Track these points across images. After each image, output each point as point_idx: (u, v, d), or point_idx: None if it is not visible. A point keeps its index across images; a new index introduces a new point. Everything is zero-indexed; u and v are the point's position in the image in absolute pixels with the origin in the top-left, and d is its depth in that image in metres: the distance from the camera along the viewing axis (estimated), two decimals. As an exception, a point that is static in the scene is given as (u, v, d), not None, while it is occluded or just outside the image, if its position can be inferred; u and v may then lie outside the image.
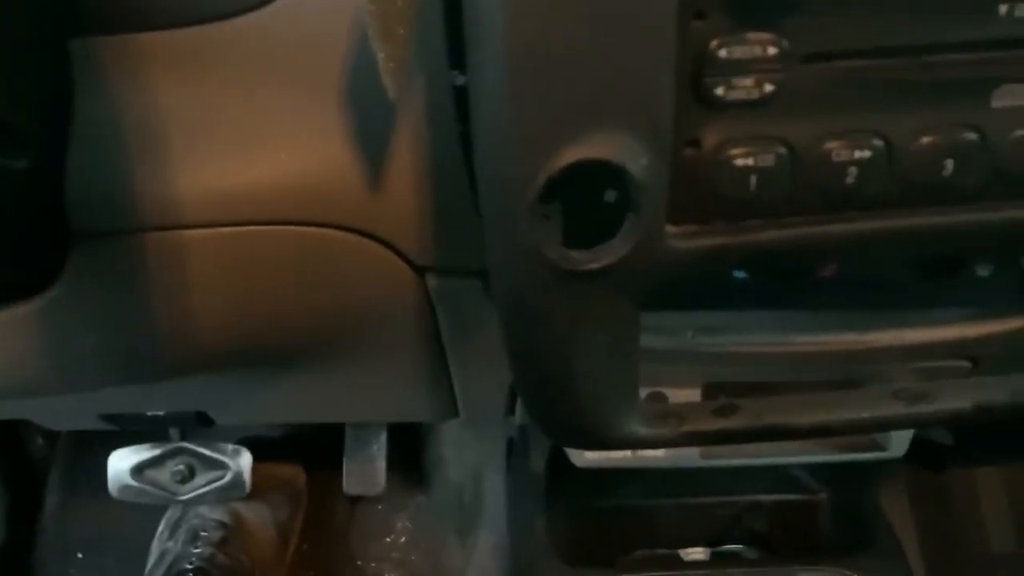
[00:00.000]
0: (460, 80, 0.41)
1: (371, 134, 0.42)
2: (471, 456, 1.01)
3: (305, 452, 1.06)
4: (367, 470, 1.02)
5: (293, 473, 1.07)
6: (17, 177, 0.32)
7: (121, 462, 0.89)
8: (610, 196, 0.33)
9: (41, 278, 0.42)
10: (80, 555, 1.04)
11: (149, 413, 0.71)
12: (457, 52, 0.40)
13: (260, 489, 0.94)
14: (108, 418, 0.70)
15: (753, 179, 0.32)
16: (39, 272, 0.41)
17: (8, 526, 1.03)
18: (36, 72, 0.35)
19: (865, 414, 0.42)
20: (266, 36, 0.41)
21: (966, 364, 0.53)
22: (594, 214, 0.33)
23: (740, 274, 0.44)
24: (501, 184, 0.31)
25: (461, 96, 0.41)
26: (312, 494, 1.07)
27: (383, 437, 1.02)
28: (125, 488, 0.90)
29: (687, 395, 0.57)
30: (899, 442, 0.66)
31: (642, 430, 0.41)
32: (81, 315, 0.44)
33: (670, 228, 0.33)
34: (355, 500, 1.06)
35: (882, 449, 0.66)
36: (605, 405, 0.40)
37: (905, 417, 0.42)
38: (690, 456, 0.66)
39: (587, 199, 0.33)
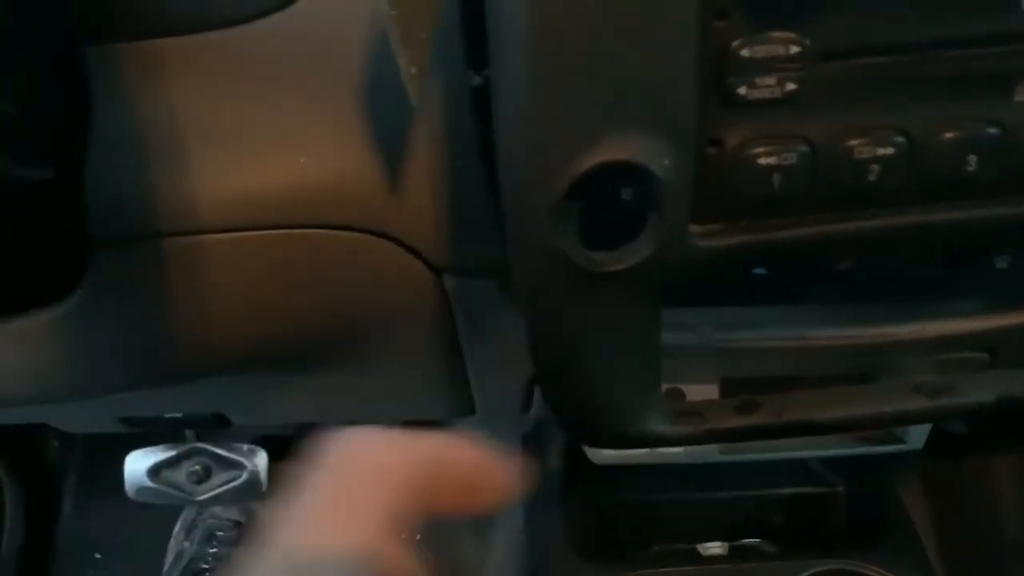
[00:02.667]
0: (477, 81, 0.41)
1: (389, 137, 0.42)
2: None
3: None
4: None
5: (308, 472, 1.07)
6: (41, 188, 0.32)
7: (137, 463, 0.90)
8: (631, 196, 0.34)
9: (62, 285, 0.42)
10: (97, 556, 1.05)
11: (167, 415, 0.71)
12: (475, 53, 0.40)
13: (276, 489, 0.94)
14: (126, 421, 0.70)
15: (776, 177, 0.32)
16: (60, 279, 0.42)
17: (26, 528, 1.04)
18: (57, 84, 0.35)
19: (887, 408, 0.42)
20: (283, 40, 0.41)
21: (984, 356, 0.53)
22: (616, 215, 0.33)
23: (759, 270, 0.44)
24: (524, 187, 0.31)
25: (479, 97, 0.41)
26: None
27: (398, 435, 1.02)
28: (142, 489, 0.90)
29: (705, 391, 0.57)
30: (918, 434, 0.66)
31: (664, 428, 0.41)
32: (101, 321, 0.45)
33: (693, 227, 0.33)
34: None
35: (901, 441, 0.66)
36: (627, 404, 0.40)
37: (928, 410, 0.42)
38: (708, 451, 0.66)
39: (609, 200, 0.33)
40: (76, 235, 0.41)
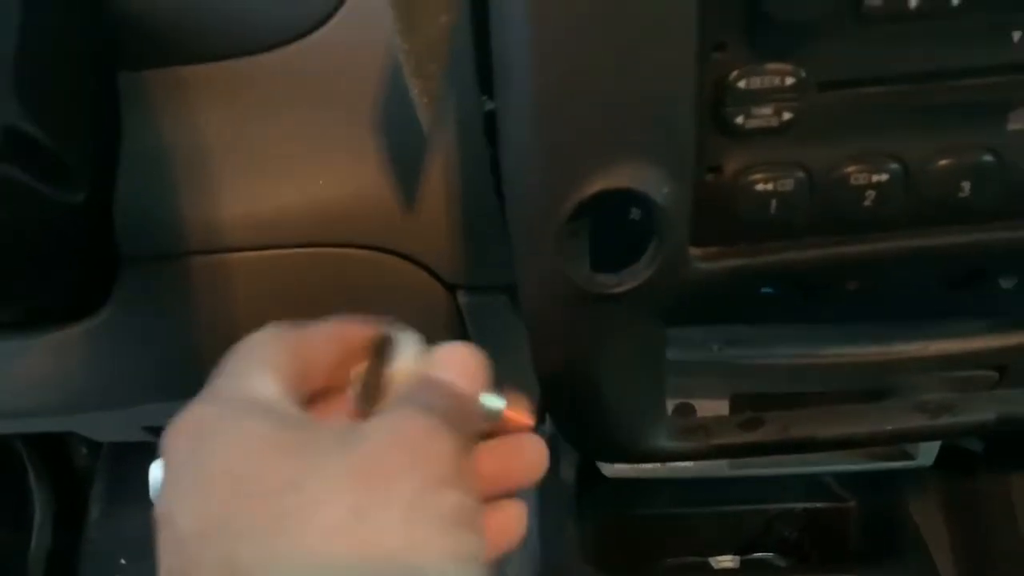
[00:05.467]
0: (490, 106, 0.43)
1: (405, 158, 0.43)
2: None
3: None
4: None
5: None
6: (74, 211, 0.34)
7: (162, 471, 0.92)
8: (635, 216, 0.35)
9: (91, 301, 0.44)
10: (123, 561, 1.07)
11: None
12: (487, 78, 0.41)
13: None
14: (150, 430, 0.72)
15: (773, 203, 0.33)
16: (91, 294, 0.43)
17: (54, 533, 1.06)
18: (92, 112, 0.37)
19: (888, 426, 0.43)
20: (305, 67, 0.42)
21: (993, 375, 0.53)
22: (620, 237, 0.34)
23: (767, 289, 0.45)
24: (528, 211, 0.33)
25: (490, 121, 0.42)
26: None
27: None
28: (166, 496, 0.92)
29: (715, 406, 0.58)
30: (927, 451, 0.66)
31: (669, 444, 0.42)
32: (129, 334, 0.46)
33: (693, 250, 0.34)
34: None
35: (911, 458, 0.67)
36: (633, 420, 0.41)
37: (928, 429, 0.43)
38: (719, 466, 0.67)
39: (613, 223, 0.34)
40: (106, 253, 0.43)
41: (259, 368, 0.29)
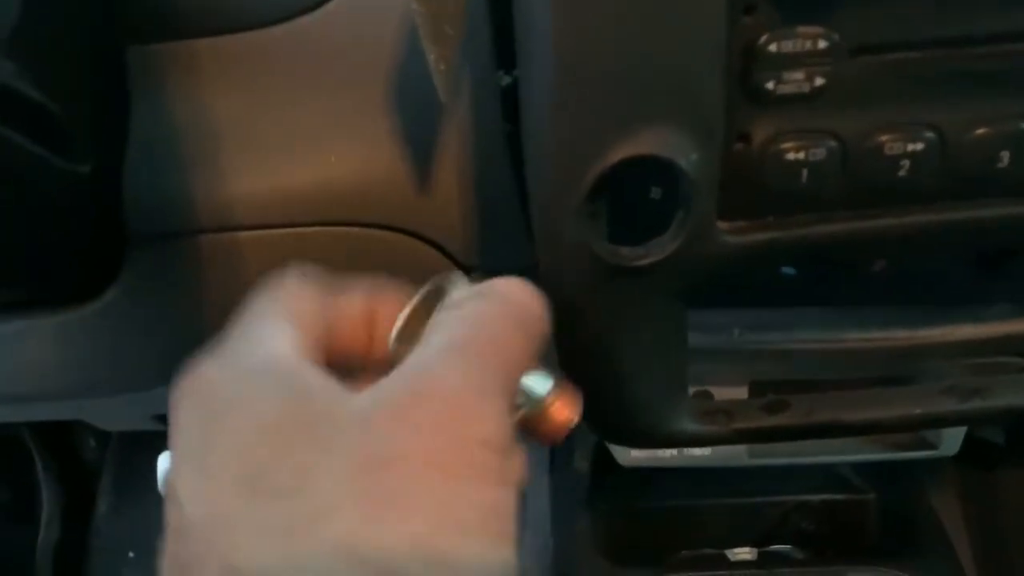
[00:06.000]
0: (505, 80, 0.42)
1: (418, 135, 0.42)
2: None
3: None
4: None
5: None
6: (81, 181, 0.33)
7: (169, 463, 0.91)
8: (657, 192, 0.34)
9: (99, 281, 0.43)
10: (131, 555, 1.06)
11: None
12: (503, 52, 0.40)
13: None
14: (159, 418, 0.71)
15: (804, 173, 0.32)
16: (98, 275, 0.43)
17: (62, 525, 1.05)
18: (96, 80, 0.36)
19: (917, 410, 0.42)
20: (315, 40, 0.41)
21: (1020, 360, 0.52)
22: (642, 210, 0.33)
23: (788, 270, 0.44)
24: (550, 182, 0.32)
25: (507, 96, 0.41)
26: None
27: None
28: (174, 488, 0.91)
29: (734, 393, 0.57)
30: (951, 440, 0.65)
31: (691, 427, 0.41)
32: (137, 316, 0.45)
33: (720, 224, 0.33)
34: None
35: (933, 448, 0.65)
36: (654, 402, 0.40)
37: (958, 413, 0.42)
38: (737, 455, 0.66)
39: (635, 195, 0.33)
40: (113, 231, 0.42)
41: (279, 322, 0.26)
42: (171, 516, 0.25)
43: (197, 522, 0.23)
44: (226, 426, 0.24)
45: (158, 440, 0.90)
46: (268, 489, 0.22)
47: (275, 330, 0.26)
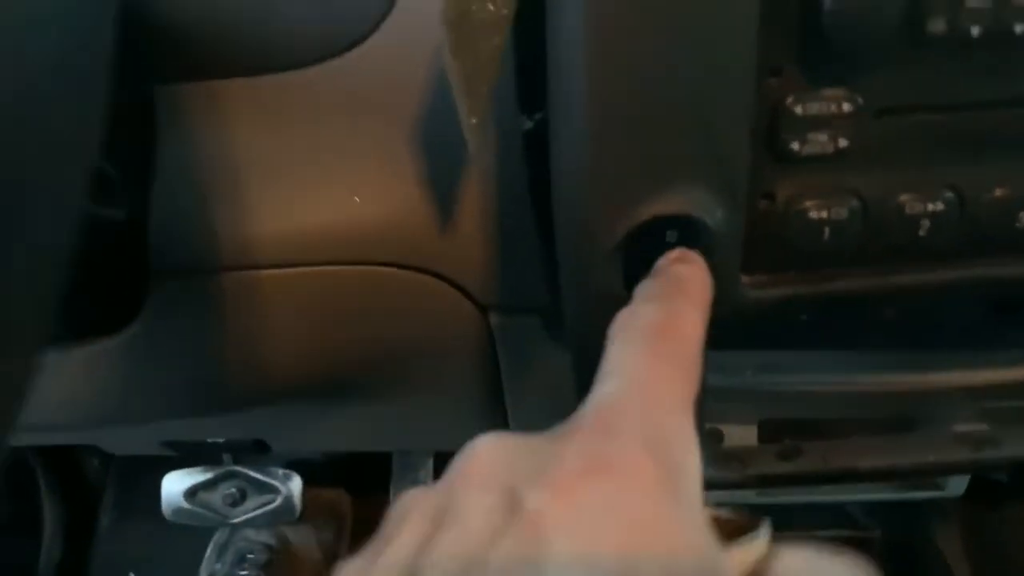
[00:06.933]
0: (528, 125, 0.42)
1: (441, 178, 0.43)
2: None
3: (350, 477, 1.07)
4: (413, 496, 1.03)
5: (337, 497, 1.08)
6: (116, 227, 0.34)
7: (175, 485, 0.91)
8: (671, 240, 0.34)
9: (122, 316, 0.44)
10: (132, 574, 1.06)
11: (209, 440, 0.72)
12: (527, 98, 0.41)
13: (305, 513, 0.95)
14: (169, 444, 0.72)
15: (826, 231, 0.32)
16: (121, 310, 0.43)
17: (64, 545, 1.05)
18: (130, 125, 0.37)
19: (931, 458, 0.42)
20: (340, 83, 0.42)
21: (1025, 404, 0.53)
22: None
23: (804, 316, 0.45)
24: (578, 235, 0.32)
25: (530, 141, 0.42)
26: (356, 518, 1.08)
27: (430, 464, 1.03)
28: (178, 510, 0.91)
29: (743, 432, 0.57)
30: (957, 482, 0.65)
31: (706, 472, 0.41)
32: (158, 351, 0.46)
33: (743, 277, 0.34)
34: (399, 525, 1.06)
35: (939, 488, 0.66)
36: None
37: (972, 462, 0.42)
38: (745, 494, 0.66)
39: (662, 248, 0.33)
40: (137, 267, 0.42)
41: None
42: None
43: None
44: None
45: (160, 462, 0.90)
46: None
47: None
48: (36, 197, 0.26)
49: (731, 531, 0.24)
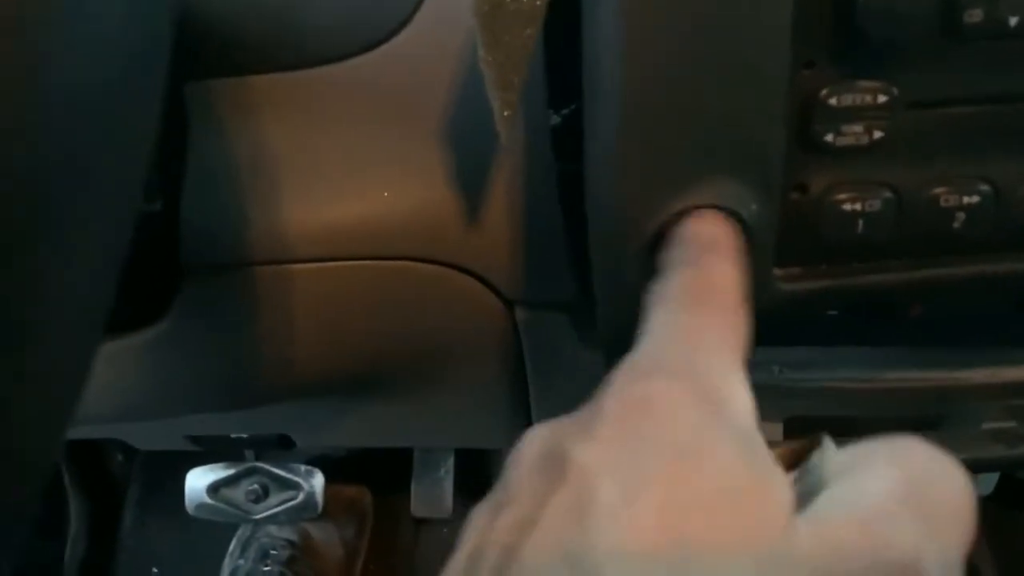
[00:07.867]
0: (556, 121, 0.42)
1: (469, 173, 0.43)
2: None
3: (371, 473, 1.08)
4: (435, 493, 1.03)
5: (358, 494, 1.08)
6: (152, 220, 0.34)
7: (198, 481, 0.92)
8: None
9: (151, 312, 0.44)
10: (155, 570, 1.07)
11: (233, 435, 0.73)
12: (556, 94, 0.41)
13: (327, 509, 0.95)
14: (193, 439, 0.72)
15: (859, 223, 0.32)
16: (153, 305, 0.43)
17: (89, 540, 1.06)
18: (166, 121, 0.37)
19: (964, 455, 0.41)
20: (370, 79, 0.42)
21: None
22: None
23: (832, 311, 0.44)
24: (612, 229, 0.32)
25: (557, 134, 0.42)
26: (377, 515, 1.09)
27: (451, 461, 1.03)
28: (201, 506, 0.92)
29: (769, 429, 0.57)
30: (986, 481, 0.65)
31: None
32: (187, 345, 0.46)
33: (775, 270, 0.33)
34: (420, 522, 1.07)
35: (967, 487, 0.65)
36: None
37: (1006, 459, 0.42)
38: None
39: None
40: (168, 262, 0.42)
41: None
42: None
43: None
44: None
45: (184, 458, 0.90)
46: None
47: None
48: (102, 185, 0.26)
49: (793, 461, 0.25)
